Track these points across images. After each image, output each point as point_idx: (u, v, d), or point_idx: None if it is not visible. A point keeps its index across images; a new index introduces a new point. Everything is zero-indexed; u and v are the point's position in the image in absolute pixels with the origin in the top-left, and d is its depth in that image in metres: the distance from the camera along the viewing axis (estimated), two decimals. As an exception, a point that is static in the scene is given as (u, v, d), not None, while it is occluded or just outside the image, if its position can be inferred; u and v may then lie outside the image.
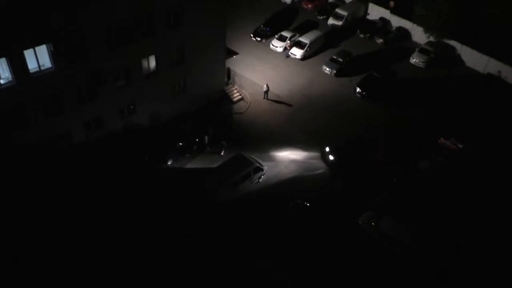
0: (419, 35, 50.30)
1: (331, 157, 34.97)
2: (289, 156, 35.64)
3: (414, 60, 47.30)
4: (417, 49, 48.17)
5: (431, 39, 49.12)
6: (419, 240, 29.42)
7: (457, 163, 35.89)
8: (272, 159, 35.22)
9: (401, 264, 28.68)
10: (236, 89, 41.14)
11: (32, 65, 26.08)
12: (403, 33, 51.40)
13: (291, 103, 40.83)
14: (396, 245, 29.16)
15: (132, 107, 33.20)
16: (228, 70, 41.20)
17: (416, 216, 31.58)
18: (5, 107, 25.98)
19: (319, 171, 34.57)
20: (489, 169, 35.65)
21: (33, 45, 25.44)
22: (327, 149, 35.48)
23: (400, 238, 29.23)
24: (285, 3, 55.64)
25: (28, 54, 25.58)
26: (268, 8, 53.77)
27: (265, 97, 40.75)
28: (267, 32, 48.50)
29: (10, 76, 25.62)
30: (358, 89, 42.28)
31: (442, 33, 48.04)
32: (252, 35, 48.67)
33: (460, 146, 37.04)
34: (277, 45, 46.86)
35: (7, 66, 25.21)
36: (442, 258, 29.19)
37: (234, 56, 41.31)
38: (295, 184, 33.31)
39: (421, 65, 46.94)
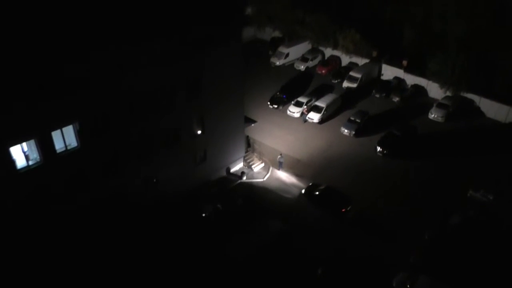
0: (435, 90, 50.70)
1: (302, 191, 37.22)
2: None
3: (433, 115, 47.33)
4: (435, 104, 48.32)
5: (448, 93, 49.39)
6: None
7: (489, 216, 34.53)
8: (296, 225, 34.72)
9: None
10: (256, 156, 41.56)
11: (59, 145, 27.21)
12: (419, 90, 51.92)
13: (312, 167, 40.79)
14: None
15: (155, 180, 33.79)
16: (247, 138, 41.91)
17: (453, 274, 29.98)
18: (32, 184, 26.81)
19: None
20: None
21: (60, 125, 26.71)
22: (310, 183, 37.85)
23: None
24: (299, 70, 57.47)
25: (55, 134, 26.83)
26: (283, 75, 55.51)
27: (280, 168, 40.24)
28: (283, 99, 49.74)
29: (38, 157, 26.68)
30: (379, 148, 42.16)
31: (458, 87, 48.35)
32: (269, 102, 49.93)
33: (490, 198, 35.84)
34: (294, 111, 47.80)
35: (35, 148, 26.35)
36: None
37: (253, 124, 42.22)
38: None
39: (440, 119, 46.84)
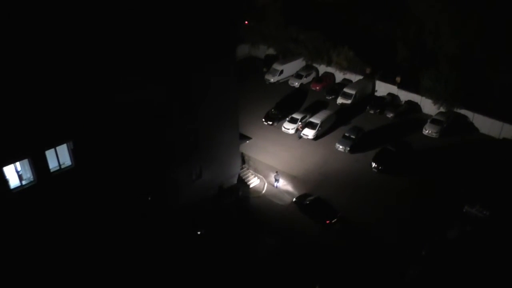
0: (429, 106, 51.05)
1: (294, 199, 38.44)
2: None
3: (427, 131, 47.57)
4: (428, 120, 48.60)
5: (442, 109, 49.75)
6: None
7: (485, 231, 34.49)
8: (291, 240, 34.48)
9: None
10: (251, 173, 41.46)
11: (52, 164, 27.01)
12: (413, 106, 52.26)
13: (307, 183, 40.71)
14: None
15: (149, 198, 33.58)
16: (242, 155, 41.85)
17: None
18: (27, 205, 26.54)
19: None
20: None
21: (54, 144, 26.54)
22: (304, 193, 38.99)
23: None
24: (293, 86, 57.78)
25: (49, 153, 26.64)
26: (278, 92, 55.74)
27: (276, 184, 40.34)
28: (278, 116, 49.86)
29: (32, 177, 26.45)
30: (374, 164, 42.22)
31: (451, 103, 48.75)
32: (263, 119, 50.03)
33: (486, 213, 35.84)
34: (289, 127, 47.90)
35: (29, 167, 26.13)
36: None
37: (248, 141, 42.18)
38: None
39: (434, 135, 47.08)
